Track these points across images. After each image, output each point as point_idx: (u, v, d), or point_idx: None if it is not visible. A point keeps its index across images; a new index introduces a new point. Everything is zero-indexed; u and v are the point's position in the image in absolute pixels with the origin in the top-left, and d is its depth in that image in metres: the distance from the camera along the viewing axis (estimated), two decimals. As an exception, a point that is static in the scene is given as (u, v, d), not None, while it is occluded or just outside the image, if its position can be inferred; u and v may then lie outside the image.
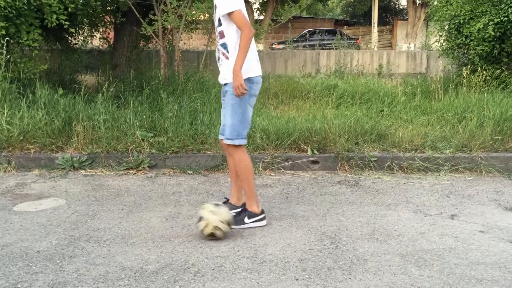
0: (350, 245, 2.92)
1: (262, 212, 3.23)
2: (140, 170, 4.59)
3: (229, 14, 2.95)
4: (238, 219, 3.18)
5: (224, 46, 3.08)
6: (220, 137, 3.32)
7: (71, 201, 3.72)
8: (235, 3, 2.93)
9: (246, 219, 3.18)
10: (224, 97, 3.17)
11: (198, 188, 4.12)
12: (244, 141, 3.12)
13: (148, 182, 4.27)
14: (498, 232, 3.15)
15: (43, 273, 2.51)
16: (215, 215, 2.91)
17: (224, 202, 3.39)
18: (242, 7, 2.97)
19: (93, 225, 3.21)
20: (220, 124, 3.37)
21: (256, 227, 3.19)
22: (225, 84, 3.13)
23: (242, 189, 3.38)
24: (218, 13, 3.04)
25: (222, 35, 3.08)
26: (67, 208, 3.55)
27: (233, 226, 3.12)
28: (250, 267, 2.60)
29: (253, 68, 3.08)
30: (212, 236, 2.94)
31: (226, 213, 2.97)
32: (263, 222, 3.23)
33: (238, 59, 2.91)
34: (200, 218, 2.96)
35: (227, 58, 3.08)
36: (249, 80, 3.05)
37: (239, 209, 3.32)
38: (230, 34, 3.04)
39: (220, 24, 3.06)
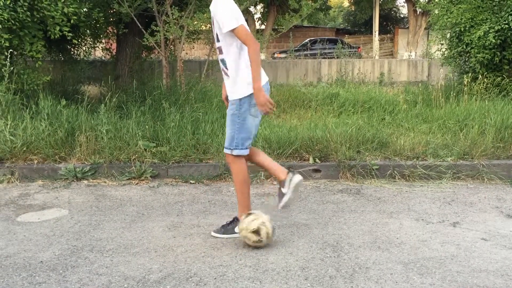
0: (352, 253, 2.92)
1: None
2: (143, 179, 4.61)
3: (232, 31, 2.87)
4: (228, 228, 3.16)
5: (223, 62, 3.04)
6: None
7: (74, 211, 3.74)
8: (236, 19, 2.85)
9: (236, 229, 3.10)
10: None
11: (200, 197, 4.13)
12: (244, 152, 3.06)
13: (150, 192, 4.29)
14: (500, 240, 3.15)
15: (46, 283, 2.52)
16: (265, 215, 2.98)
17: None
18: (243, 21, 2.90)
19: (96, 235, 3.22)
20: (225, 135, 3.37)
21: None
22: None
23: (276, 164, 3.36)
24: (217, 29, 2.96)
25: (220, 51, 3.02)
26: (70, 219, 3.56)
27: (222, 236, 3.15)
28: (252, 276, 2.61)
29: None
30: (256, 233, 2.92)
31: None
32: None
33: (255, 76, 2.86)
34: (248, 215, 2.99)
35: (226, 75, 3.06)
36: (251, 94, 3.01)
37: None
38: (229, 51, 2.98)
39: (218, 40, 3.00)
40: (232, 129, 3.05)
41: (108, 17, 8.13)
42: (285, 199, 3.11)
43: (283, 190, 3.12)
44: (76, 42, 8.14)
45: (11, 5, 5.45)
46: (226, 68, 3.03)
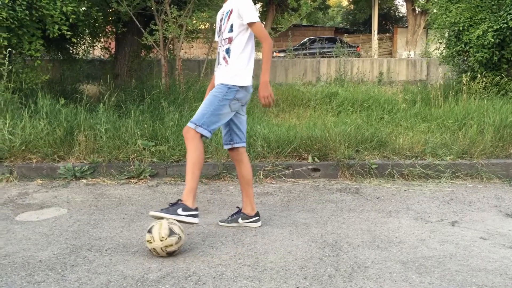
0: (351, 252, 2.93)
1: (196, 209, 3.05)
2: (142, 179, 4.61)
3: (250, 24, 3.06)
4: (171, 209, 2.99)
5: (228, 51, 3.14)
6: (226, 146, 3.36)
7: (73, 210, 3.74)
8: (256, 15, 3.07)
9: (179, 211, 2.97)
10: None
11: (199, 196, 4.13)
12: (207, 133, 3.05)
13: (149, 191, 4.28)
14: (499, 239, 3.15)
15: (45, 283, 2.51)
16: (154, 241, 2.78)
17: (236, 212, 3.41)
18: None
19: (95, 234, 3.22)
20: (222, 134, 3.38)
21: (187, 222, 2.99)
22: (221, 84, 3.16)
23: (253, 197, 3.39)
24: (235, 20, 3.10)
25: (230, 40, 3.14)
26: (69, 218, 3.56)
27: (164, 214, 2.94)
28: (251, 275, 2.60)
29: (249, 77, 3.18)
30: (172, 234, 2.79)
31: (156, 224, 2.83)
32: (196, 220, 3.02)
33: (265, 69, 3.06)
34: (153, 250, 2.82)
35: (227, 63, 3.15)
36: (244, 88, 3.15)
37: (253, 219, 3.35)
38: (238, 42, 3.12)
39: (231, 30, 3.13)
40: (207, 108, 3.08)
41: (107, 16, 8.13)
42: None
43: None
44: (75, 41, 8.13)
45: (9, 4, 5.45)
46: (229, 57, 3.14)
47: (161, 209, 2.98)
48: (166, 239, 2.78)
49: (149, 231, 2.82)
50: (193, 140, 3.04)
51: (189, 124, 3.08)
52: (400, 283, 2.51)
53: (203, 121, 3.04)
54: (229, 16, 3.14)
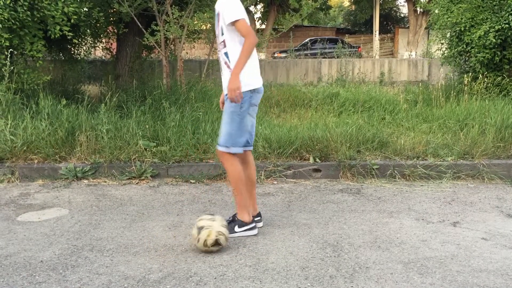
0: (352, 253, 2.92)
1: (253, 221, 3.21)
2: (143, 179, 4.61)
3: (233, 23, 2.98)
4: (229, 227, 3.12)
5: (227, 55, 3.10)
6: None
7: (74, 211, 3.74)
8: (239, 13, 2.97)
9: (236, 228, 3.16)
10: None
11: (200, 197, 4.13)
12: (240, 150, 3.09)
13: (150, 192, 4.29)
14: (500, 239, 3.15)
15: (46, 283, 2.52)
16: (215, 221, 2.92)
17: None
18: (245, 16, 3.02)
19: (96, 235, 3.22)
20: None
21: (247, 236, 3.18)
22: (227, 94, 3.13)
23: (255, 198, 3.39)
24: (222, 22, 3.06)
25: (224, 44, 3.10)
26: (70, 218, 3.56)
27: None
28: (252, 276, 2.61)
29: (256, 78, 3.13)
30: (216, 244, 2.88)
31: (223, 219, 3.00)
32: (254, 231, 3.21)
33: (239, 64, 2.96)
34: (200, 228, 2.88)
35: (229, 68, 3.09)
36: (256, 90, 3.11)
37: (257, 218, 3.34)
38: (232, 44, 3.06)
39: (222, 33, 3.09)
40: (230, 127, 3.07)
41: (108, 17, 8.13)
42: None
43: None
44: (76, 41, 8.14)
45: (11, 5, 5.45)
46: (229, 61, 3.08)
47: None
48: (208, 247, 2.88)
49: (199, 231, 2.89)
50: (228, 160, 3.10)
51: (220, 148, 3.10)
52: (401, 283, 2.51)
53: (232, 141, 3.06)
54: (218, 19, 3.10)
